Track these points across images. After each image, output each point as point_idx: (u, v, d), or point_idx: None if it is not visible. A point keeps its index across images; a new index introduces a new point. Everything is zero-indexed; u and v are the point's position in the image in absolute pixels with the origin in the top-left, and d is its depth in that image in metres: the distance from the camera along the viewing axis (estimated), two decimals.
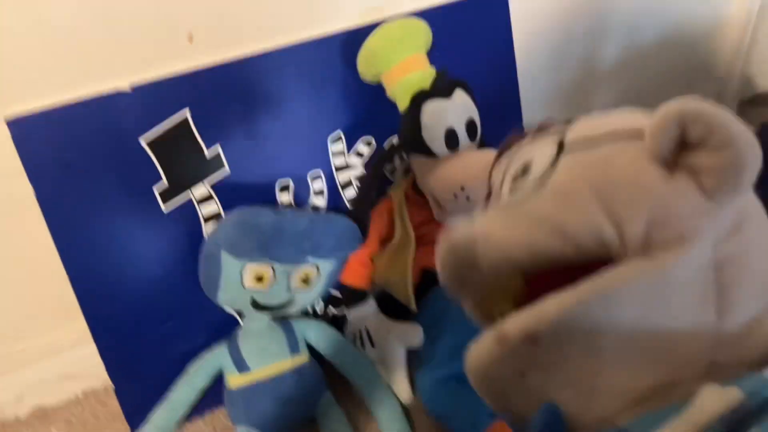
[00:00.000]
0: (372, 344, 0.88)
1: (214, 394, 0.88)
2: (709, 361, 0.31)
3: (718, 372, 0.30)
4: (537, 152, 0.39)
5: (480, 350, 0.35)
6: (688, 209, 0.32)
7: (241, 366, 0.84)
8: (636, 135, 0.35)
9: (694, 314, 0.31)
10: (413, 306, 0.90)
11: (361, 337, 0.90)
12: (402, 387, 0.86)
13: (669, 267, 0.31)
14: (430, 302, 0.89)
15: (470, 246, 0.37)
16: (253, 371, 0.84)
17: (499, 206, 0.39)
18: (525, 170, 0.39)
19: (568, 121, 0.41)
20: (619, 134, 0.36)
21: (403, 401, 0.85)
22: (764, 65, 1.40)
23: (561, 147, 0.37)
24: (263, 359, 0.84)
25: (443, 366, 0.82)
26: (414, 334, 0.87)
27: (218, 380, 0.87)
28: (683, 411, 0.28)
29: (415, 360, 0.87)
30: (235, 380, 0.84)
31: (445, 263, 0.40)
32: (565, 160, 0.36)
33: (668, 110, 0.32)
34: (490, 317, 0.40)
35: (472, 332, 0.83)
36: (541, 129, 0.43)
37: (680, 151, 0.33)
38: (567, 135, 0.38)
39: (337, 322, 0.93)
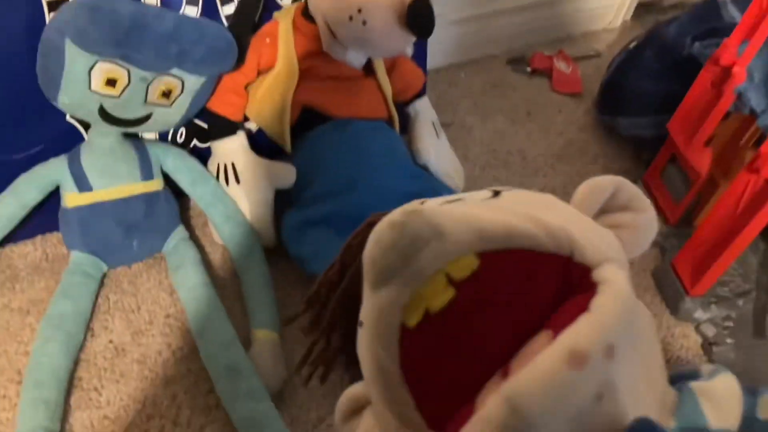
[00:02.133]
0: (237, 180, 0.80)
1: (48, 217, 0.77)
2: None
3: None
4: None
5: (546, 376, 0.28)
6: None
7: (81, 184, 0.73)
8: None
9: None
10: (288, 146, 0.83)
11: (225, 172, 0.81)
12: (265, 228, 0.79)
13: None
14: (306, 144, 0.82)
15: (433, 220, 0.31)
16: (96, 191, 0.73)
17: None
18: None
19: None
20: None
21: (264, 243, 0.79)
22: None
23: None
24: (109, 179, 0.74)
25: (310, 209, 0.76)
26: (286, 175, 0.80)
27: (54, 201, 0.76)
28: None
29: (280, 201, 0.81)
30: (73, 199, 0.73)
31: (396, 237, 0.31)
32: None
33: (603, 179, 0.37)
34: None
35: (343, 179, 0.78)
36: None
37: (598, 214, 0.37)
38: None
39: (201, 157, 0.84)
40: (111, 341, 0.72)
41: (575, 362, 0.27)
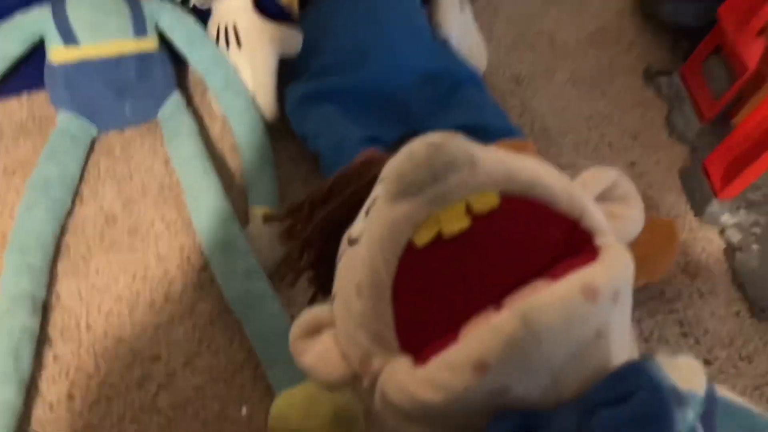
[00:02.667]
0: (239, 44, 0.73)
1: (35, 73, 0.71)
2: None
3: None
4: None
5: (562, 299, 0.29)
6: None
7: (67, 37, 0.67)
8: None
9: None
10: (295, 8, 0.75)
11: (226, 35, 0.74)
12: (267, 99, 0.73)
13: None
14: (316, 7, 0.74)
15: (470, 149, 0.32)
16: (84, 46, 0.67)
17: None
18: None
19: None
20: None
21: (266, 116, 0.74)
22: None
23: None
24: (97, 34, 0.67)
25: (317, 82, 0.70)
26: (293, 40, 0.73)
27: (41, 56, 0.70)
28: None
29: (284, 72, 0.74)
30: (59, 54, 0.67)
31: (432, 155, 0.31)
32: None
33: (607, 170, 0.38)
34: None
35: (355, 51, 0.71)
36: None
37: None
38: None
39: (200, 17, 0.76)
40: (101, 209, 0.68)
41: (589, 294, 0.29)
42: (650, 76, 0.91)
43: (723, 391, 0.34)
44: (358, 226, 0.36)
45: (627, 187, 0.38)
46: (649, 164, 0.80)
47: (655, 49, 0.95)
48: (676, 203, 0.77)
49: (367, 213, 0.35)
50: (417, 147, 0.31)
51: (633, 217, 0.38)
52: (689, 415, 0.30)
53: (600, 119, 0.84)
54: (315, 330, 0.38)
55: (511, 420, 0.30)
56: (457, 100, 0.71)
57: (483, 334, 0.29)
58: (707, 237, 0.75)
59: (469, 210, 0.31)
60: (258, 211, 0.67)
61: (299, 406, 0.51)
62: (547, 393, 0.30)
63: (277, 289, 0.62)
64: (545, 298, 0.29)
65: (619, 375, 0.30)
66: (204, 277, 0.64)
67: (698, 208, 0.77)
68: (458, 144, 0.31)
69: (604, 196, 0.38)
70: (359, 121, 0.67)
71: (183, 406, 0.57)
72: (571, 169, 0.77)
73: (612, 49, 0.93)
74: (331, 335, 0.37)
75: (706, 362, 0.65)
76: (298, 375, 0.54)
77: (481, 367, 0.28)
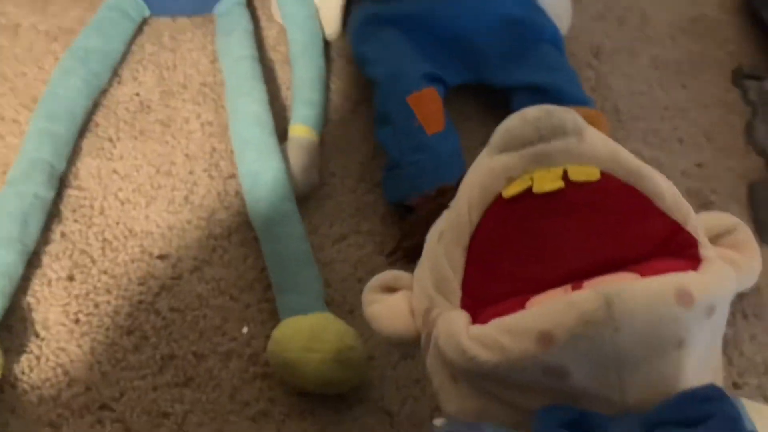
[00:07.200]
0: None
1: None
2: None
3: None
4: None
5: (653, 294, 0.28)
6: None
7: None
8: None
9: None
10: None
11: None
12: (332, 13, 0.68)
13: None
14: None
15: (580, 121, 0.32)
16: None
17: None
18: None
19: None
20: None
21: (327, 33, 0.69)
22: None
23: None
24: None
25: (388, 5, 0.65)
26: None
27: None
28: None
29: None
30: None
31: (541, 116, 0.32)
32: None
33: (731, 217, 0.39)
34: None
35: None
36: None
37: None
38: None
39: None
40: (137, 94, 0.64)
41: (682, 299, 0.27)
42: (739, 77, 0.84)
43: None
44: None
45: (746, 235, 0.38)
46: (718, 169, 0.74)
47: (750, 51, 0.87)
48: (739, 217, 0.71)
49: None
50: (530, 109, 0.32)
51: (748, 265, 0.37)
52: None
53: (675, 111, 0.78)
54: (391, 288, 0.38)
55: (564, 413, 0.28)
56: (533, 56, 0.65)
57: (556, 306, 0.28)
58: (764, 258, 0.69)
59: (565, 176, 0.30)
60: (298, 130, 0.62)
61: (303, 336, 0.48)
62: (610, 394, 0.28)
63: (304, 217, 0.58)
64: (636, 287, 0.28)
65: (696, 396, 0.28)
66: (230, 186, 0.60)
67: (761, 226, 0.71)
68: (571, 114, 0.32)
69: (719, 239, 0.37)
70: (424, 56, 0.62)
71: (182, 312, 0.54)
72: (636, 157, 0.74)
73: (705, 41, 0.86)
74: (406, 296, 0.37)
75: (735, 386, 0.60)
76: (307, 306, 0.51)
77: (546, 338, 0.27)
